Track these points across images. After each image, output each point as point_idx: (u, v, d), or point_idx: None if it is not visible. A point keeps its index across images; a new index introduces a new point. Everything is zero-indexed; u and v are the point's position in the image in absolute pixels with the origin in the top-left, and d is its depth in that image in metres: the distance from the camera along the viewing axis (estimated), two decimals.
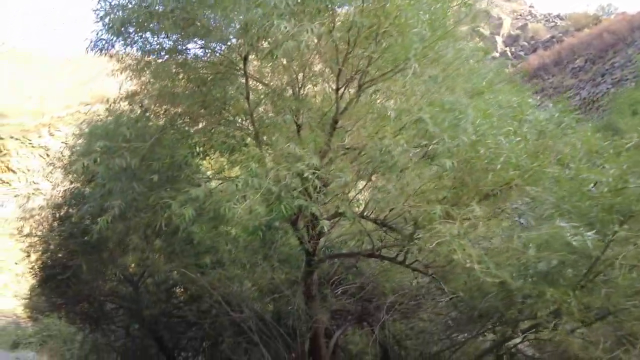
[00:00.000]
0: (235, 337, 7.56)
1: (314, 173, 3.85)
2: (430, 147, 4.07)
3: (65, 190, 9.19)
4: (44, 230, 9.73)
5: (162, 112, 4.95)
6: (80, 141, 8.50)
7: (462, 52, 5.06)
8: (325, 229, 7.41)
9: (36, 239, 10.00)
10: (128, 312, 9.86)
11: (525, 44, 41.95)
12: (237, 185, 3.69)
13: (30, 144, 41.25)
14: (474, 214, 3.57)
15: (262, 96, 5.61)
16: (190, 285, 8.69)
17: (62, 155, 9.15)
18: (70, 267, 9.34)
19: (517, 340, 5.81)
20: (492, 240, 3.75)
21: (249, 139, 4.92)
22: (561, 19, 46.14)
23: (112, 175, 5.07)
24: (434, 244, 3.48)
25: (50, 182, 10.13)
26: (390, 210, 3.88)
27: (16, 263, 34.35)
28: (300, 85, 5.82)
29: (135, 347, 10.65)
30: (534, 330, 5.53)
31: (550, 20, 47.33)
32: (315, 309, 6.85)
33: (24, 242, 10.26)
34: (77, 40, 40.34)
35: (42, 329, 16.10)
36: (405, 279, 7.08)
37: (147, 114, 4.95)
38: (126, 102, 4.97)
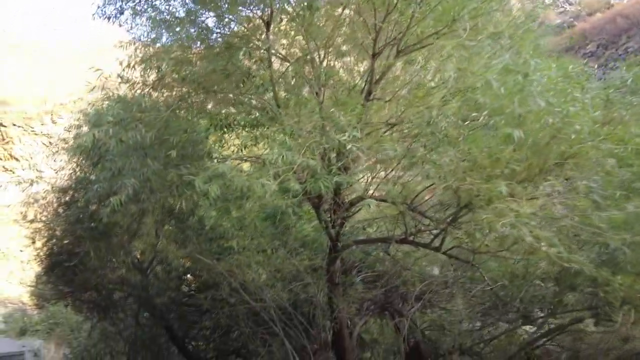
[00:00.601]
0: (252, 327, 7.17)
1: (356, 146, 3.38)
2: (486, 117, 3.59)
3: (70, 174, 8.74)
4: (49, 215, 9.31)
5: (179, 81, 4.47)
6: (89, 118, 8.03)
7: (510, 16, 4.55)
8: (349, 213, 7.07)
9: (41, 224, 9.59)
10: (137, 301, 9.48)
11: None
12: (268, 159, 3.23)
13: (32, 131, 40.82)
14: (545, 190, 3.13)
15: (284, 68, 5.12)
16: (203, 273, 8.29)
17: (68, 135, 8.68)
18: (77, 254, 8.93)
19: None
20: (564, 221, 3.31)
21: (273, 112, 4.44)
22: (570, 4, 45.10)
23: (124, 151, 4.61)
24: (499, 225, 3.03)
25: (53, 168, 9.68)
26: (444, 187, 3.42)
27: (21, 250, 34.20)
28: (324, 56, 5.33)
29: (145, 336, 10.30)
30: (575, 322, 5.13)
31: (559, 5, 46.29)
32: (338, 297, 6.43)
33: (28, 228, 9.86)
34: (81, 32, 39.66)
35: (49, 317, 15.84)
36: (427, 267, 6.66)
37: (165, 81, 4.47)
38: (140, 68, 4.48)
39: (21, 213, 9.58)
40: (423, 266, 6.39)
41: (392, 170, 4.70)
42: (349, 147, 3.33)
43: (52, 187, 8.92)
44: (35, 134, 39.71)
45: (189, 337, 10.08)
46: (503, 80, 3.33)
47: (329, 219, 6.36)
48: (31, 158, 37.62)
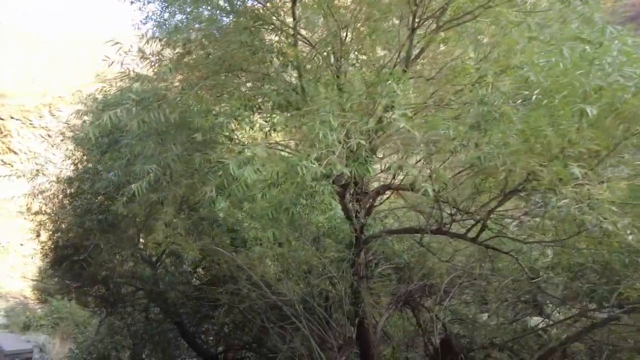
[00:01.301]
0: (271, 321, 6.86)
1: (408, 126, 3.04)
2: (541, 94, 3.25)
3: (76, 164, 8.39)
4: (54, 207, 8.97)
5: (203, 59, 4.10)
6: (99, 103, 7.66)
7: None
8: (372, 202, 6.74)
9: (46, 217, 9.26)
10: (147, 295, 9.17)
11: None
12: (316, 136, 2.90)
13: (31, 124, 40.36)
14: (616, 172, 2.82)
15: (311, 48, 4.77)
16: (217, 266, 7.97)
17: (76, 122, 8.32)
18: (84, 247, 8.61)
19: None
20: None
21: (307, 91, 4.09)
22: None
23: (143, 134, 4.27)
24: (572, 210, 2.71)
25: (57, 159, 9.30)
26: (502, 169, 3.08)
27: (22, 244, 33.91)
28: (349, 36, 4.98)
29: (154, 331, 10.00)
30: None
31: None
32: (363, 291, 6.13)
33: (32, 220, 9.53)
34: (81, 25, 39.16)
35: (52, 312, 15.56)
36: (455, 259, 6.34)
37: (188, 58, 4.10)
38: (162, 43, 4.12)
39: (25, 205, 9.23)
40: (451, 258, 6.07)
41: (433, 154, 4.36)
42: (401, 125, 2.99)
43: (58, 178, 8.57)
44: (34, 127, 39.25)
45: (199, 331, 9.80)
46: (569, 52, 3.00)
47: (354, 208, 6.06)
48: (30, 151, 37.22)
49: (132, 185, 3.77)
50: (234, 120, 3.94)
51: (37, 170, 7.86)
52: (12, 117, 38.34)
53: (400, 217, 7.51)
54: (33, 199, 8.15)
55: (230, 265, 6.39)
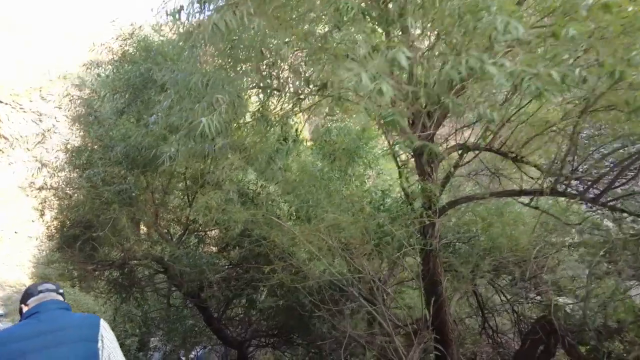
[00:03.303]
0: (318, 304, 5.96)
1: None
2: None
3: (87, 129, 7.33)
4: (61, 181, 7.93)
5: None
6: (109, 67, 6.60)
7: None
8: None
9: (51, 192, 8.21)
10: (170, 278, 8.21)
11: None
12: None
13: (21, 109, 38.84)
14: None
15: None
16: (248, 244, 7.03)
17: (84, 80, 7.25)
18: (100, 224, 7.62)
19: None
20: None
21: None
22: None
23: (186, 76, 3.28)
24: None
25: (63, 122, 8.22)
26: None
27: (16, 232, 32.66)
28: None
29: (173, 318, 9.08)
30: None
31: None
32: (437, 269, 5.23)
33: (36, 197, 8.47)
34: (74, 14, 37.78)
35: None
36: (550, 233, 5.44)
37: None
38: None
39: (29, 180, 8.16)
40: (544, 230, 5.18)
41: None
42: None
43: (66, 147, 7.51)
44: (24, 112, 37.76)
45: (226, 317, 8.90)
46: None
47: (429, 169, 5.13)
48: (21, 137, 35.81)
49: (202, 119, 2.77)
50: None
51: (43, 134, 6.82)
52: (0, 102, 36.86)
53: (479, 182, 6.57)
54: (38, 171, 7.09)
55: (269, 243, 5.45)
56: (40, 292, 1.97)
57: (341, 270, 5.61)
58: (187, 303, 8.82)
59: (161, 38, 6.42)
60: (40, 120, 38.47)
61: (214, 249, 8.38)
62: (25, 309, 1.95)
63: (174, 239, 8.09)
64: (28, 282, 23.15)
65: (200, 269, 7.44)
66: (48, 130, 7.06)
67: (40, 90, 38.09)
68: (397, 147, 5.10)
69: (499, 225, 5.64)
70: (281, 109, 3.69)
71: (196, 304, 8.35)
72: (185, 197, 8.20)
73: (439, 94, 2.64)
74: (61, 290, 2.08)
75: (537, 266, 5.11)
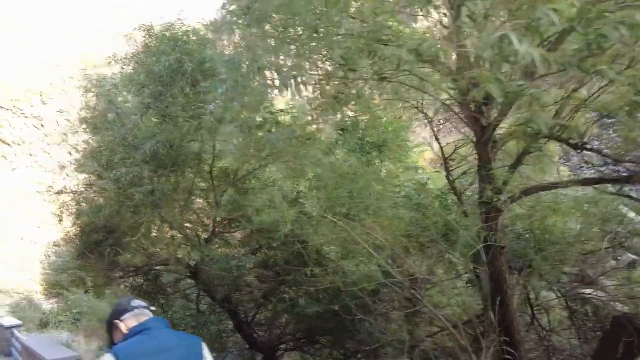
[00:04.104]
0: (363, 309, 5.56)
1: None
2: None
3: (109, 128, 6.88)
4: (82, 184, 7.52)
5: None
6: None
7: None
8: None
9: (70, 197, 7.80)
10: (196, 284, 7.81)
11: None
12: None
13: (22, 114, 38.41)
14: None
15: None
16: (281, 246, 6.62)
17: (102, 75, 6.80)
18: (117, 232, 7.21)
19: None
20: None
21: None
22: None
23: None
24: None
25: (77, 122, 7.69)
26: None
27: (22, 238, 32.34)
28: None
29: (201, 324, 8.67)
30: None
31: None
32: (502, 266, 4.82)
33: (54, 202, 8.05)
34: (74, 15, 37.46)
35: (70, 307, 14.19)
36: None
37: None
38: None
39: (48, 185, 7.72)
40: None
41: None
42: None
43: (88, 147, 7.06)
44: (26, 117, 37.34)
45: (256, 323, 8.50)
46: None
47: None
48: (23, 143, 35.48)
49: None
50: None
51: (65, 135, 6.42)
52: (1, 107, 36.42)
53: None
54: (61, 172, 6.66)
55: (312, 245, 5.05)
56: (135, 308, 1.93)
57: (391, 270, 5.22)
58: (215, 308, 8.42)
59: (189, 26, 6.01)
60: (42, 126, 38.08)
61: (244, 250, 7.97)
62: (121, 325, 1.88)
63: (202, 242, 7.68)
64: (38, 290, 22.79)
65: (231, 273, 7.05)
66: (64, 135, 6.61)
67: (42, 95, 37.69)
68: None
69: (555, 217, 5.24)
70: (339, 95, 3.29)
71: (226, 308, 7.95)
72: (212, 197, 7.79)
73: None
74: (153, 308, 2.01)
75: (603, 260, 4.71)
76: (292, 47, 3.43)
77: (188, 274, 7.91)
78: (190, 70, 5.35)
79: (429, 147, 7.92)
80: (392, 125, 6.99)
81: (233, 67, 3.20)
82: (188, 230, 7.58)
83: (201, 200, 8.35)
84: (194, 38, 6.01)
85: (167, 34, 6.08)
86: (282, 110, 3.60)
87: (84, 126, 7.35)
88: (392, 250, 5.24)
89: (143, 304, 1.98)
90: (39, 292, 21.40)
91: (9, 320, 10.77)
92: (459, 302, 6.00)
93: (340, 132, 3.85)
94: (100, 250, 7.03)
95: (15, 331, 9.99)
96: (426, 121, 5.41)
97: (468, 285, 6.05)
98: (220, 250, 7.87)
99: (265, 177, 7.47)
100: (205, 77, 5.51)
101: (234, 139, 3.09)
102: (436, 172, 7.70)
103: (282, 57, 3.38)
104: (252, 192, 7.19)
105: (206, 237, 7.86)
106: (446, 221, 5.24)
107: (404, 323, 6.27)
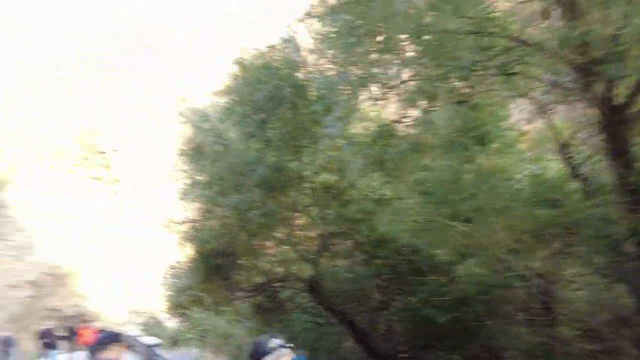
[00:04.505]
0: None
1: None
2: None
3: (216, 160, 7.33)
4: (198, 212, 8.08)
5: None
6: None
7: None
8: None
9: (189, 225, 8.42)
10: (314, 297, 7.99)
11: None
12: None
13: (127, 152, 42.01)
14: None
15: None
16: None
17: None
18: (235, 254, 7.60)
19: None
20: None
21: None
22: None
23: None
24: None
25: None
26: None
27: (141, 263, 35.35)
28: None
29: (319, 336, 8.83)
30: None
31: None
32: None
33: (177, 232, 8.74)
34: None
35: (194, 325, 15.33)
36: None
37: None
38: None
39: (169, 218, 8.43)
40: None
41: None
42: None
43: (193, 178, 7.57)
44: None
45: (377, 330, 8.43)
46: None
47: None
48: (132, 175, 38.94)
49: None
50: None
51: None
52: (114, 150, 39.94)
53: None
54: (184, 201, 7.20)
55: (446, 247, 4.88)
56: (273, 349, 2.00)
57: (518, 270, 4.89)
58: (331, 320, 8.55)
59: (278, 54, 6.22)
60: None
61: (354, 261, 8.01)
62: None
63: (314, 256, 7.86)
64: (162, 308, 24.88)
65: (345, 284, 7.11)
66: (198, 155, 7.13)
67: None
68: None
69: None
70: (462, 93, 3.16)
71: (343, 319, 8.02)
72: (315, 212, 7.94)
73: None
74: (290, 345, 2.07)
75: None
76: (397, 55, 3.40)
77: (304, 288, 8.12)
78: (288, 95, 5.53)
79: (536, 133, 7.34)
80: (493, 115, 6.60)
81: (334, 86, 3.24)
82: (299, 246, 7.79)
83: (305, 216, 8.56)
84: (283, 63, 6.19)
85: (259, 62, 6.35)
86: (395, 121, 3.57)
87: (184, 157, 7.88)
88: (515, 249, 4.92)
89: (279, 341, 2.04)
90: (163, 311, 23.35)
91: (150, 339, 11.88)
92: (599, 299, 5.47)
93: (459, 134, 3.71)
94: (220, 272, 7.46)
95: (156, 349, 10.99)
96: (538, 109, 5.02)
97: (608, 281, 5.47)
98: (331, 262, 7.98)
99: (364, 186, 7.44)
100: (302, 99, 5.65)
101: (354, 154, 3.11)
102: (548, 160, 7.09)
103: (389, 67, 3.35)
104: (355, 202, 7.22)
105: (316, 250, 8.03)
106: (576, 212, 4.80)
107: (535, 325, 5.85)
